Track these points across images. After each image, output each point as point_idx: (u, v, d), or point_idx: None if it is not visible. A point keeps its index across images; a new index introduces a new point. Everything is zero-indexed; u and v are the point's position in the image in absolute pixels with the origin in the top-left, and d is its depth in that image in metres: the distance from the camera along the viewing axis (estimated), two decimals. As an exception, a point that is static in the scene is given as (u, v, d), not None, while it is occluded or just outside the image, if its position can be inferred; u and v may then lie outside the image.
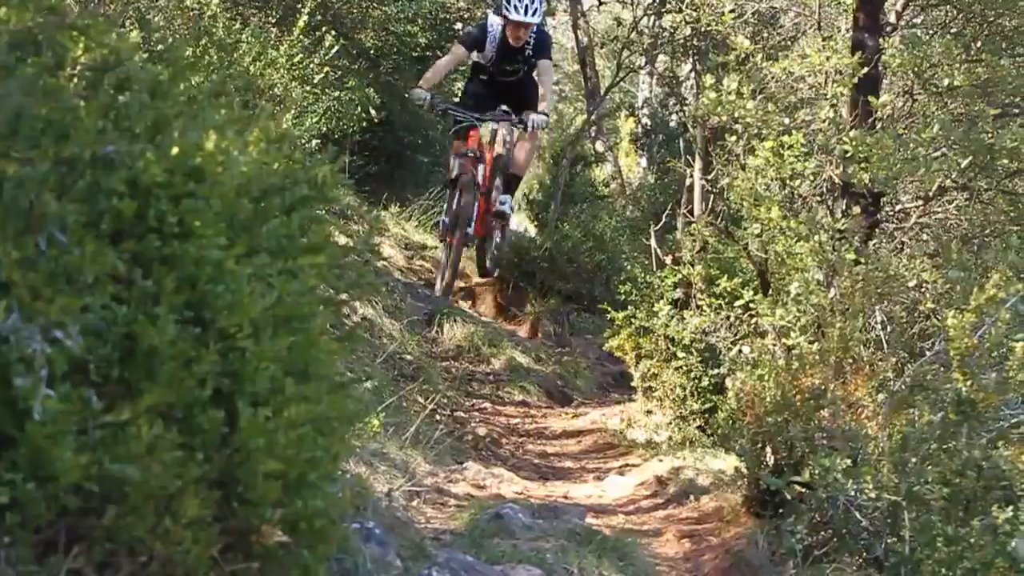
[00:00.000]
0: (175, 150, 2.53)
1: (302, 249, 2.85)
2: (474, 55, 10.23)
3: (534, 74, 10.16)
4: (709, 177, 9.41)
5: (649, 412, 8.09)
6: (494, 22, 9.90)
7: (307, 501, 2.70)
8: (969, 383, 4.55)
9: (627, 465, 7.03)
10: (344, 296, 3.14)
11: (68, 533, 2.40)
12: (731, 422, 5.49)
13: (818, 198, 7.59)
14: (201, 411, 2.49)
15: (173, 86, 2.82)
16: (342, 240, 3.29)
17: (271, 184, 2.88)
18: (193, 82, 3.15)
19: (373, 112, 11.62)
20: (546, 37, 10.22)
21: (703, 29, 8.69)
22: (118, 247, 2.42)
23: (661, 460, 6.73)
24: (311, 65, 9.50)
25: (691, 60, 9.48)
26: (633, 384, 8.14)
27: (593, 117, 14.67)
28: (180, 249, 2.47)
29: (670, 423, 7.69)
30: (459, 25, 16.09)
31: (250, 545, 2.70)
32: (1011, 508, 4.09)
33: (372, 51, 13.08)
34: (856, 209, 7.09)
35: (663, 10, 10.10)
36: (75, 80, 2.77)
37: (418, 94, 9.83)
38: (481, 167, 9.92)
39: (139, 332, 2.37)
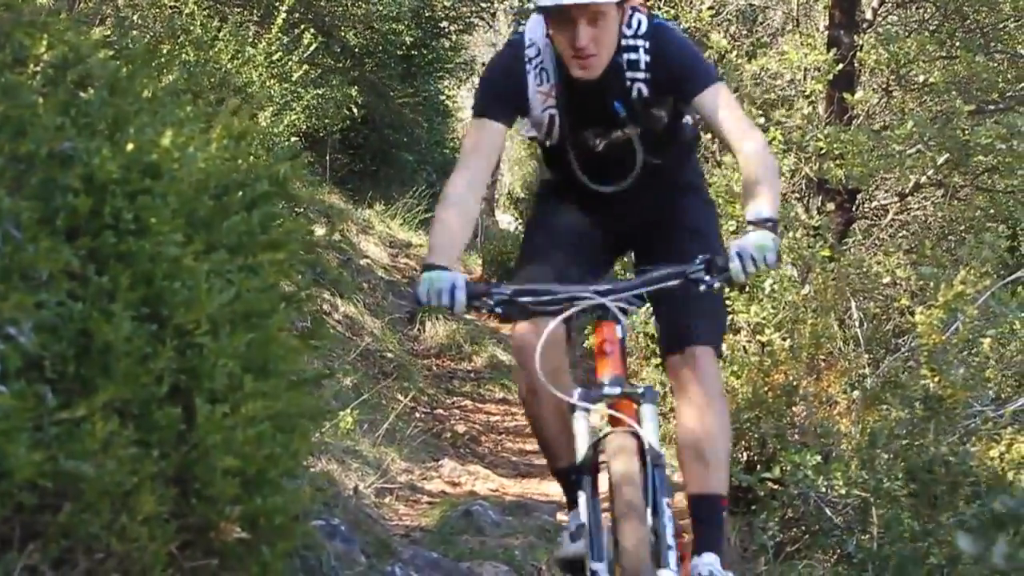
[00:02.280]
0: (130, 147, 2.53)
1: (262, 245, 2.85)
2: (523, 129, 4.08)
3: (689, 128, 3.95)
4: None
5: (631, 409, 8.08)
6: (535, 36, 3.74)
7: (266, 498, 2.69)
8: (937, 379, 4.58)
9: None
10: (306, 292, 3.14)
11: (23, 530, 2.39)
12: (705, 419, 5.48)
13: (796, 195, 7.62)
14: (158, 408, 2.48)
15: (133, 83, 2.81)
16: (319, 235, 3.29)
17: (232, 180, 2.88)
18: (161, 79, 3.14)
19: (355, 110, 11.60)
20: (671, 36, 3.74)
21: (681, 27, 8.70)
22: (73, 243, 2.41)
23: (641, 457, 6.73)
24: (290, 63, 9.46)
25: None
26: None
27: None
28: (136, 245, 2.47)
29: (652, 420, 7.68)
30: (444, 24, 16.02)
31: (209, 542, 2.69)
32: (978, 503, 4.11)
33: (356, 49, 13.06)
34: (831, 206, 7.12)
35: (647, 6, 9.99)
36: (36, 77, 2.76)
37: (431, 287, 3.29)
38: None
39: (94, 329, 2.36)
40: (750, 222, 3.26)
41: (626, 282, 3.29)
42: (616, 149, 3.73)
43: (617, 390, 3.11)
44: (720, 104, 3.53)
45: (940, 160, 7.35)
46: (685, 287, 3.21)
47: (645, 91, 3.59)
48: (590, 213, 3.91)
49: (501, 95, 3.71)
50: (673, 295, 3.38)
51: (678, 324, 3.62)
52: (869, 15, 8.11)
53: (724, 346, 4.68)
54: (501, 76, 3.75)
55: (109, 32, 4.82)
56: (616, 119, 3.68)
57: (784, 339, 5.56)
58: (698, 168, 4.17)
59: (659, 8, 8.82)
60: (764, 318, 5.81)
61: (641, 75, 3.58)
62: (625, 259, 4.62)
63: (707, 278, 3.12)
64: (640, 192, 3.80)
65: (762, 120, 6.98)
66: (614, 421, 3.12)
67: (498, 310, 3.25)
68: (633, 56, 3.57)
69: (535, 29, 3.69)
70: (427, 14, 14.83)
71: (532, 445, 7.73)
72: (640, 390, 3.14)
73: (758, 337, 5.82)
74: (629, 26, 3.55)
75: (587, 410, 3.14)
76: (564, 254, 3.81)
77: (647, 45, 3.58)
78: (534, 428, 3.93)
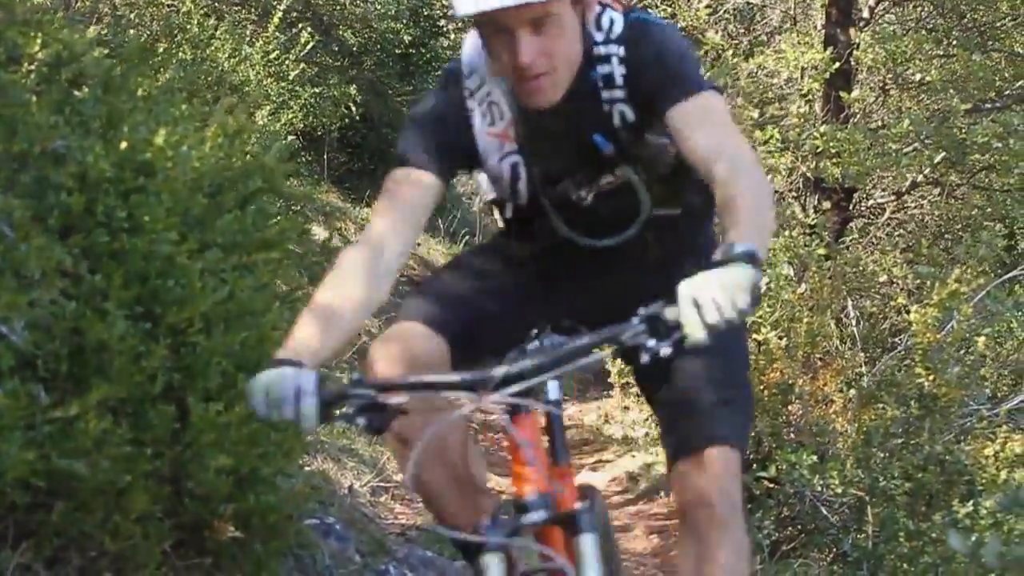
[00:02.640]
0: (124, 145, 2.53)
1: (256, 244, 2.85)
2: (483, 190, 2.96)
3: (687, 153, 2.48)
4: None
5: (626, 408, 8.09)
6: (476, 60, 2.67)
7: (260, 496, 2.70)
8: (932, 378, 4.59)
9: (601, 461, 7.05)
10: (301, 291, 3.15)
11: (16, 528, 2.40)
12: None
13: (793, 194, 7.62)
14: (151, 406, 2.49)
15: (127, 81, 2.82)
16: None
17: (226, 179, 2.89)
18: (157, 78, 3.14)
19: (353, 109, 11.60)
20: (649, 32, 2.58)
21: (679, 25, 8.71)
22: (66, 242, 2.42)
23: (634, 456, 6.76)
24: (287, 61, 9.47)
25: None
26: (611, 380, 8.14)
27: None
28: (129, 244, 2.48)
29: (647, 419, 7.69)
30: (443, 23, 16.01)
31: (203, 540, 2.71)
32: (972, 502, 4.13)
33: (354, 47, 13.06)
34: (827, 204, 7.14)
35: (643, 4, 9.96)
36: (30, 75, 2.77)
37: (268, 394, 2.13)
38: None
39: (87, 327, 2.37)
40: (715, 261, 2.05)
41: (536, 360, 2.13)
42: (611, 200, 2.71)
43: (542, 514, 2.10)
44: (697, 117, 2.46)
45: (937, 158, 7.38)
46: (687, 356, 2.20)
47: (629, 114, 2.59)
48: (563, 283, 2.84)
49: (436, 138, 2.63)
50: (669, 368, 2.55)
51: (684, 414, 2.64)
52: (866, 13, 8.11)
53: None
54: (435, 116, 2.67)
55: (105, 31, 4.83)
56: (601, 158, 2.65)
57: (780, 338, 5.56)
58: (715, 234, 2.97)
59: (656, 7, 8.82)
60: (760, 316, 5.81)
61: (620, 93, 2.58)
62: None
63: (650, 343, 2.02)
64: (639, 256, 2.78)
65: (757, 115, 6.99)
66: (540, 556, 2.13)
67: (360, 421, 2.14)
68: (606, 69, 2.58)
69: (475, 51, 2.65)
70: (425, 13, 14.83)
71: (529, 444, 7.74)
72: (575, 510, 2.15)
73: (754, 336, 5.82)
74: (599, 28, 2.57)
75: (503, 549, 2.09)
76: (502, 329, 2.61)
77: (622, 52, 2.56)
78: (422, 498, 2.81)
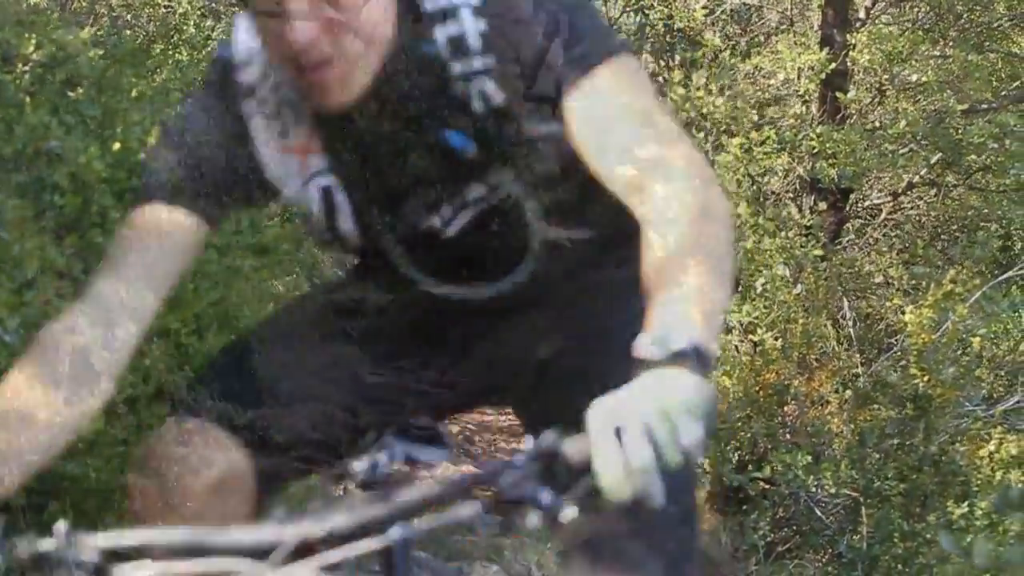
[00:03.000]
0: (117, 145, 2.54)
1: (251, 246, 2.86)
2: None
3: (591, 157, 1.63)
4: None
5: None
6: (253, 43, 1.74)
7: (254, 496, 2.70)
8: (927, 378, 4.60)
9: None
10: (296, 292, 3.15)
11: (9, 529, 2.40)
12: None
13: (790, 194, 7.63)
14: (145, 406, 2.49)
15: (121, 81, 2.83)
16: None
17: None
18: (154, 79, 3.15)
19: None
20: None
21: (675, 26, 8.68)
22: (61, 242, 2.43)
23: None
24: (285, 61, 9.49)
25: (664, 57, 9.22)
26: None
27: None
28: (124, 245, 2.48)
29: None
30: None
31: (197, 540, 2.70)
32: (967, 504, 4.14)
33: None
34: (823, 205, 7.14)
35: (640, 5, 9.85)
36: (25, 76, 2.77)
37: None
38: None
39: (81, 328, 2.37)
40: (643, 356, 1.30)
41: (357, 517, 1.25)
42: (489, 228, 1.81)
43: None
44: (606, 103, 1.63)
45: (933, 159, 7.41)
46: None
47: (494, 94, 1.70)
48: (426, 352, 1.94)
49: (194, 159, 1.75)
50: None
51: None
52: (863, 14, 8.11)
53: None
54: (194, 128, 1.78)
55: (100, 31, 4.83)
56: (460, 164, 1.75)
57: (776, 338, 5.56)
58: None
59: (652, 8, 8.80)
60: (756, 317, 5.82)
61: (478, 62, 1.69)
62: None
63: (542, 496, 1.21)
64: (533, 302, 1.90)
65: (755, 117, 6.99)
66: None
67: None
68: (454, 28, 1.69)
69: (251, 33, 1.76)
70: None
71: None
72: None
73: (750, 336, 5.83)
74: None
75: None
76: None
77: (476, 1, 1.69)
78: None
